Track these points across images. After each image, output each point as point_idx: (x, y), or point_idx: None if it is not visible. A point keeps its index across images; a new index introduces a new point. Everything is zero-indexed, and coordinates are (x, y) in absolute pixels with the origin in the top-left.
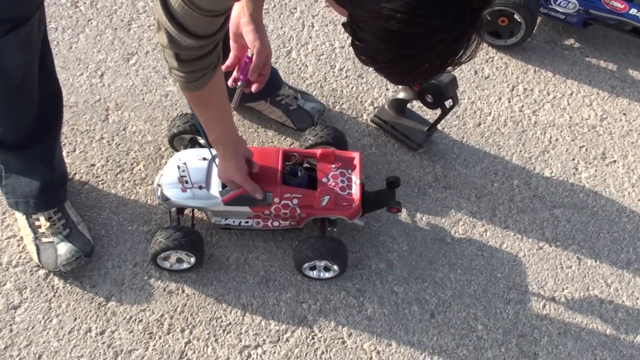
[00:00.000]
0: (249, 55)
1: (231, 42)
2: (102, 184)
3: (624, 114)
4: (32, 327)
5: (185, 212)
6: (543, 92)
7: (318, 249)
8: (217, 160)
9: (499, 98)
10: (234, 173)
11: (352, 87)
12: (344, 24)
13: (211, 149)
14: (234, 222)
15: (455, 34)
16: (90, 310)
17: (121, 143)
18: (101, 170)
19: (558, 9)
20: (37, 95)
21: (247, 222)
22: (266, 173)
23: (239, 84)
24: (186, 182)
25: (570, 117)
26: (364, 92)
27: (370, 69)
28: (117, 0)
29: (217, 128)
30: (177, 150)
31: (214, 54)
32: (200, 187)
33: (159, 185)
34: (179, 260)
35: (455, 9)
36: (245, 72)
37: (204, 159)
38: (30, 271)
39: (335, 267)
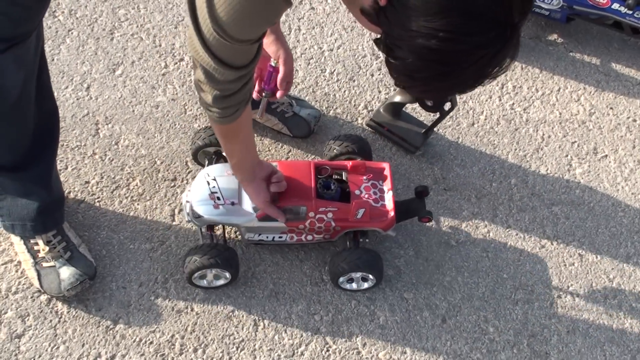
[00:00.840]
0: (273, 64)
1: None
2: (98, 201)
3: (611, 108)
4: (39, 356)
5: (215, 229)
6: (532, 88)
7: (353, 262)
8: None
9: (489, 96)
10: (254, 198)
11: (345, 91)
12: (376, 41)
13: None
14: (267, 237)
15: (495, 49)
16: (98, 335)
17: (114, 158)
18: (96, 188)
19: (542, 5)
20: (33, 114)
21: (280, 237)
22: (300, 187)
23: (263, 94)
24: (218, 198)
25: (560, 113)
26: (356, 95)
27: (362, 71)
28: (97, 8)
29: (238, 156)
30: (201, 165)
31: (247, 87)
32: (233, 203)
33: (187, 201)
34: (216, 277)
35: (497, 26)
36: (270, 82)
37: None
38: (31, 297)
39: (371, 276)
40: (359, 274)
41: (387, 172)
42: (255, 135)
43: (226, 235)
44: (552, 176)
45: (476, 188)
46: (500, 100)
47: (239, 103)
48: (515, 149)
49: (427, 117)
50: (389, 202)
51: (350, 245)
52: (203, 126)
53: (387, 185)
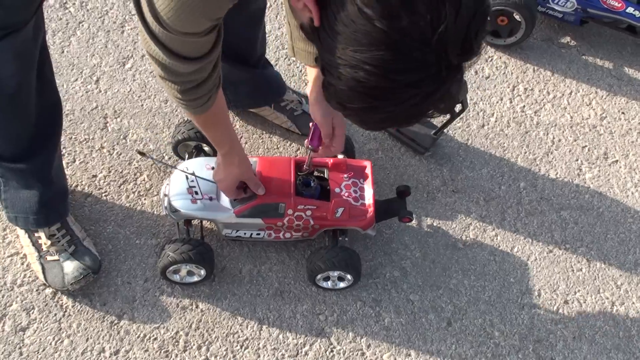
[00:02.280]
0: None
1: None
2: (105, 195)
3: (623, 113)
4: (43, 350)
5: (193, 223)
6: (543, 91)
7: (330, 260)
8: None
9: (500, 98)
10: (247, 171)
11: None
12: (316, 59)
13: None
14: (245, 234)
15: (428, 90)
16: (102, 330)
17: (122, 152)
18: (104, 182)
19: (556, 7)
20: (34, 106)
21: (258, 234)
22: (279, 184)
23: (308, 147)
24: (196, 192)
25: (571, 117)
26: None
27: None
28: (108, 1)
29: (228, 140)
30: (181, 158)
31: (214, 75)
32: (211, 199)
33: (165, 195)
34: (190, 273)
35: (430, 66)
36: (312, 138)
37: (213, 168)
38: (36, 290)
39: (349, 277)
40: (336, 273)
41: (368, 170)
42: (263, 132)
43: (203, 230)
44: (561, 180)
45: (485, 191)
46: (511, 102)
47: (210, 91)
48: (525, 152)
49: (437, 118)
50: (369, 201)
51: (329, 244)
52: (183, 120)
53: (368, 184)
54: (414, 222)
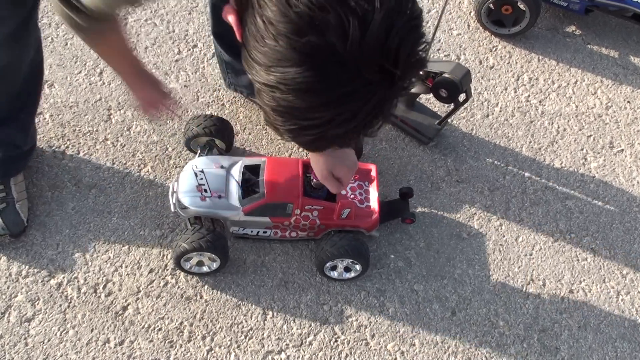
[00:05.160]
0: None
1: None
2: (109, 187)
3: (628, 102)
4: (48, 340)
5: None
6: (548, 81)
7: (342, 247)
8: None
9: (505, 88)
10: (160, 87)
11: None
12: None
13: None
14: (252, 231)
15: (352, 109)
16: (107, 320)
17: (126, 144)
18: (107, 173)
19: None
20: (22, 72)
21: (265, 232)
22: (287, 184)
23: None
24: (205, 190)
25: (576, 106)
26: None
27: None
28: None
29: (128, 59)
30: (194, 153)
31: None
32: (220, 196)
33: (174, 192)
34: (199, 264)
35: (346, 84)
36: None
37: (222, 167)
38: (41, 281)
39: (358, 267)
40: (345, 262)
41: (373, 173)
42: (263, 129)
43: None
44: (566, 170)
45: (489, 181)
46: (515, 92)
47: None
48: (530, 142)
49: (441, 108)
50: (373, 203)
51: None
52: (191, 116)
53: (373, 187)
54: (418, 212)
